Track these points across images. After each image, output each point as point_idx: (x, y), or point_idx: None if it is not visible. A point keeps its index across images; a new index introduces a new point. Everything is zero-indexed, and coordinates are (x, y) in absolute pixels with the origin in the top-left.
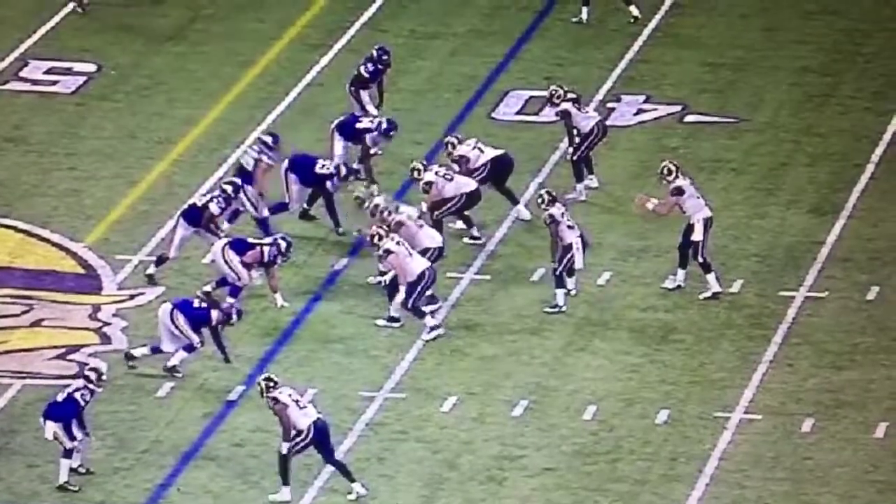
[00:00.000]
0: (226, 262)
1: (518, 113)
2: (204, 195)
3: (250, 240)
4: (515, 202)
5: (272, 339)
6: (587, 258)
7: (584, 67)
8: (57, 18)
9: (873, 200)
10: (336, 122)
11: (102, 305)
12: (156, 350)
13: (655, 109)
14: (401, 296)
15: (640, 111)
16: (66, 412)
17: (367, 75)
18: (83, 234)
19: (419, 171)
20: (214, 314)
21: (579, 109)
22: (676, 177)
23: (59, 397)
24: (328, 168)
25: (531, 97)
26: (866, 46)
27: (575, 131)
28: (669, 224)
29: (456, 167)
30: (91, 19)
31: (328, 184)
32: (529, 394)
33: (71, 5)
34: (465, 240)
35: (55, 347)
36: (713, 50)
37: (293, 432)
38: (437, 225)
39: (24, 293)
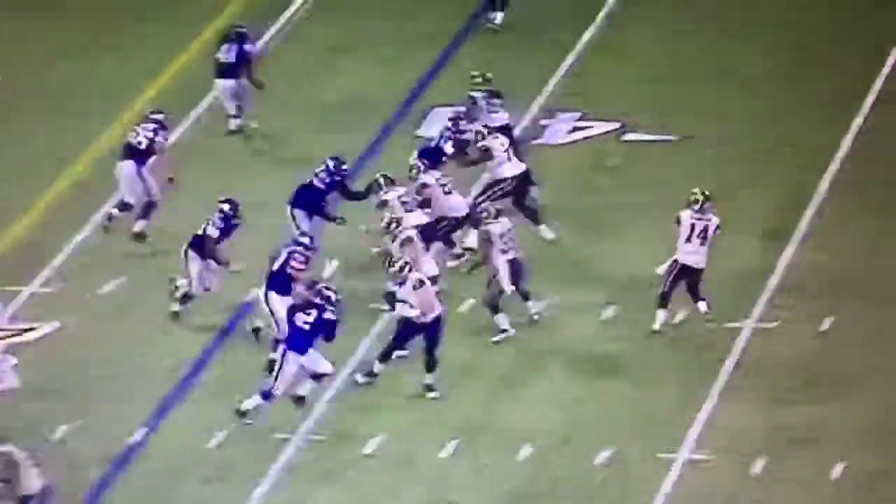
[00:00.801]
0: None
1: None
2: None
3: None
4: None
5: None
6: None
7: (515, 81)
8: None
9: (828, 223)
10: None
11: None
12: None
13: (592, 126)
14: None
15: (575, 128)
16: None
17: (322, 187)
18: None
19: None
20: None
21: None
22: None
23: None
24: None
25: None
26: (818, 57)
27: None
28: (609, 252)
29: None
30: None
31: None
32: (460, 433)
33: None
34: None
35: None
36: (653, 63)
37: None
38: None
39: None
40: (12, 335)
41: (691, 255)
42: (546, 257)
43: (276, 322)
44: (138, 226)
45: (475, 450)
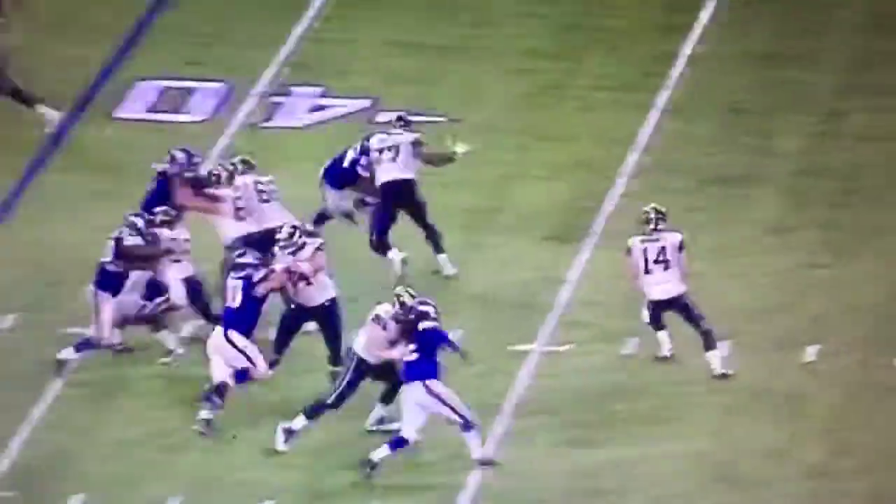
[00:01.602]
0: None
1: (151, 111)
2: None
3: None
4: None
5: None
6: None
7: (238, 49)
8: None
9: (628, 223)
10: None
11: None
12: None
13: (336, 105)
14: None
15: (315, 108)
16: None
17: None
18: None
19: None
20: None
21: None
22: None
23: None
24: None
25: (167, 89)
26: (611, 23)
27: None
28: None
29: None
30: None
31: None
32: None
33: None
34: None
35: None
36: (409, 29)
37: None
38: None
39: None
40: None
41: (659, 285)
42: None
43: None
44: None
45: None
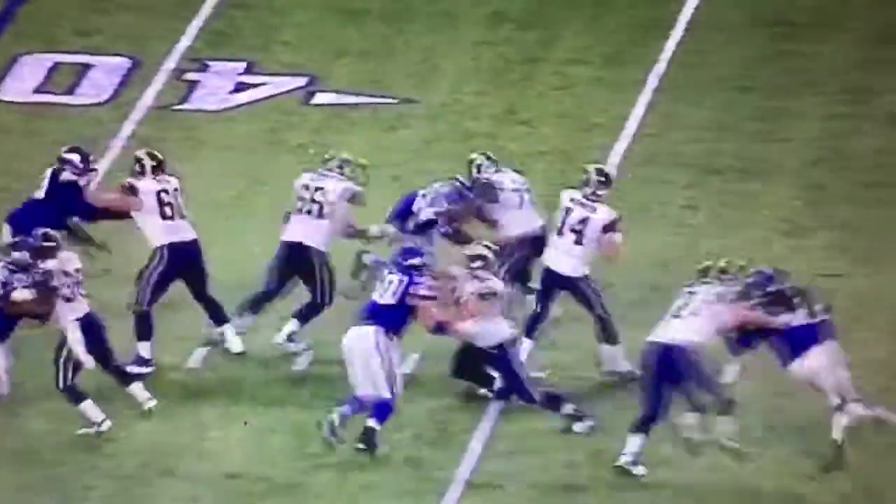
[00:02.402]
0: None
1: (38, 91)
2: None
3: None
4: None
5: None
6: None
7: (144, 15)
8: None
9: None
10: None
11: None
12: None
13: (265, 84)
14: None
15: (240, 87)
16: None
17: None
18: None
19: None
20: None
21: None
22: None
23: None
24: None
25: (58, 64)
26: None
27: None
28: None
29: None
30: None
31: None
32: None
33: None
34: None
35: None
36: None
37: None
38: None
39: None
40: None
41: (560, 257)
42: None
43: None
44: None
45: None
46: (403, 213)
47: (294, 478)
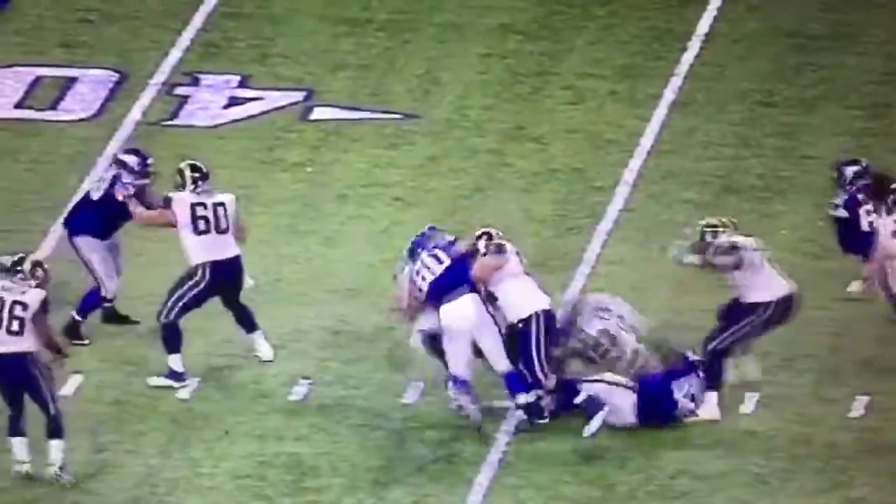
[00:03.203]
0: None
1: (19, 106)
2: None
3: None
4: None
5: None
6: None
7: (132, 27)
8: None
9: (629, 246)
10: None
11: None
12: None
13: (260, 98)
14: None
15: (233, 101)
16: None
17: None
18: None
19: None
20: None
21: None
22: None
23: None
24: None
25: (40, 78)
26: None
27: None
28: None
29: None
30: None
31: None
32: None
33: None
34: None
35: None
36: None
37: None
38: None
39: None
40: None
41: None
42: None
43: None
44: None
45: None
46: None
47: None
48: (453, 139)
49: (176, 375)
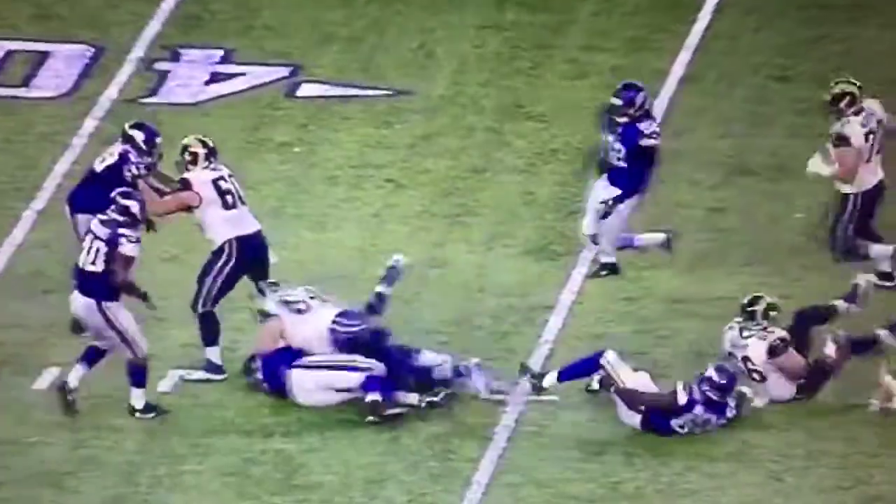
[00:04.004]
0: None
1: None
2: None
3: None
4: None
5: None
6: None
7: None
8: None
9: (637, 229)
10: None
11: None
12: None
13: (244, 74)
14: None
15: (215, 77)
16: None
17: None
18: None
19: None
20: None
21: None
22: None
23: None
24: None
25: (10, 53)
26: None
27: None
28: None
29: None
30: None
31: None
32: None
33: None
34: None
35: None
36: None
37: None
38: None
39: None
40: None
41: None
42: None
43: None
44: None
45: None
46: None
47: None
48: (449, 117)
49: (214, 368)
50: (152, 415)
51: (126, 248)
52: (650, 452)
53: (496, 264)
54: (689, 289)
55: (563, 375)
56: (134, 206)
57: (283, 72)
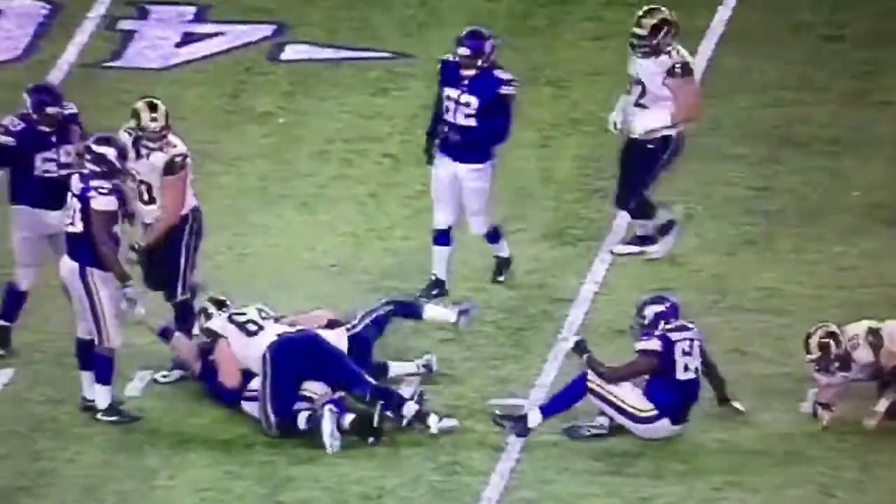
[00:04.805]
0: None
1: None
2: None
3: None
4: None
5: None
6: None
7: None
8: None
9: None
10: None
11: None
12: None
13: (221, 34)
14: None
15: (188, 38)
16: None
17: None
18: None
19: None
20: None
21: None
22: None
23: None
24: None
25: None
26: None
27: None
28: None
29: None
30: None
31: None
32: None
33: None
34: None
35: None
36: None
37: None
38: None
39: None
40: None
41: None
42: None
43: None
44: None
45: None
46: None
47: None
48: None
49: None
50: (116, 417)
51: (98, 203)
52: (684, 464)
53: (515, 249)
54: (730, 279)
55: (547, 410)
56: (110, 153)
57: (266, 31)
